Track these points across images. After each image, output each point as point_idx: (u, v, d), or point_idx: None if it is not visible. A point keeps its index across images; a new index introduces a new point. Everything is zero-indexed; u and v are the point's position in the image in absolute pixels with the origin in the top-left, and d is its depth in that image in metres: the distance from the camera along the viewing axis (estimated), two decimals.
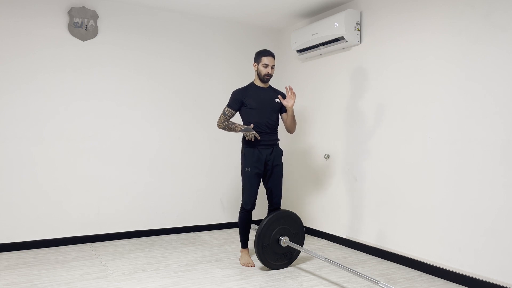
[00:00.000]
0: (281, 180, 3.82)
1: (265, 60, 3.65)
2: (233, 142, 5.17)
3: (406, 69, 3.72)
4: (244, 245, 3.81)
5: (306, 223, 4.96)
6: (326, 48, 4.47)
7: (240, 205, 3.84)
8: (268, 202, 3.86)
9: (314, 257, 3.72)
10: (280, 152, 3.80)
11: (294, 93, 3.66)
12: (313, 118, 4.88)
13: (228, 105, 3.72)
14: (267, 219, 3.56)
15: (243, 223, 3.76)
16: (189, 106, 4.96)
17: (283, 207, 5.28)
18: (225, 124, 3.71)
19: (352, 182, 4.31)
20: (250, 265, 3.71)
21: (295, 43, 4.76)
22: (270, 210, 3.84)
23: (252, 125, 3.67)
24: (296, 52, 4.87)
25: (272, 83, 5.46)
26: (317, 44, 4.51)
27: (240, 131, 3.64)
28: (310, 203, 4.95)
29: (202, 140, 5.04)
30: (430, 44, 3.51)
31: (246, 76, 5.29)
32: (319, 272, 3.57)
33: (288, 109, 3.69)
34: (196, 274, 3.48)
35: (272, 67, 3.68)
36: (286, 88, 3.66)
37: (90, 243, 4.43)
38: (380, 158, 3.98)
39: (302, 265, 3.76)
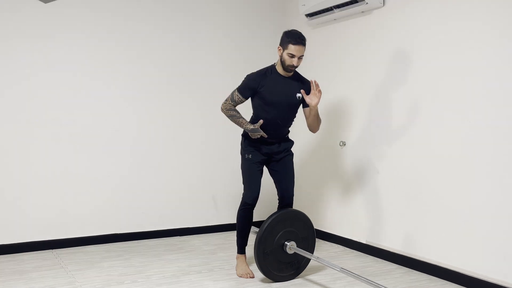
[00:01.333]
0: (292, 170, 3.87)
1: (293, 49, 3.57)
2: (230, 128, 5.14)
3: (439, 36, 3.71)
4: (241, 250, 3.82)
5: (317, 225, 4.97)
6: (342, 12, 4.48)
7: (241, 201, 3.83)
8: (278, 199, 3.89)
9: (327, 266, 3.73)
10: (289, 143, 3.88)
11: (320, 90, 3.63)
12: (326, 97, 4.87)
13: (239, 90, 3.73)
14: (269, 220, 3.56)
15: (242, 222, 3.77)
16: (176, 82, 4.96)
17: None
18: (230, 113, 3.74)
19: (374, 175, 4.32)
20: (248, 276, 3.72)
21: (304, 5, 4.77)
22: (280, 206, 3.88)
23: (261, 122, 3.66)
24: (305, 17, 4.89)
25: (277, 57, 5.42)
26: (331, 7, 4.52)
27: (246, 130, 3.68)
28: (321, 201, 4.96)
29: (192, 125, 5.04)
30: (469, 6, 3.48)
31: (244, 47, 5.29)
32: (333, 285, 3.57)
33: (311, 108, 3.67)
34: (183, 287, 3.47)
35: (300, 58, 3.62)
36: (311, 82, 3.63)
37: (54, 250, 4.43)
38: (408, 146, 3.98)
39: (312, 277, 3.76)
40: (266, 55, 5.37)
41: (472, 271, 3.49)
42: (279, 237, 3.58)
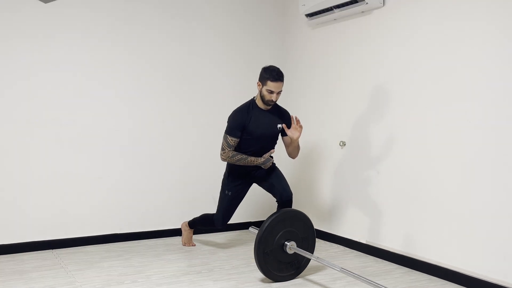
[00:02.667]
0: (281, 173, 4.07)
1: (271, 86, 3.75)
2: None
3: (439, 36, 3.70)
4: (193, 227, 4.51)
5: (317, 225, 4.96)
6: (342, 12, 4.47)
7: (213, 216, 4.27)
8: (277, 201, 3.96)
9: (327, 266, 3.72)
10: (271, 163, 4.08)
11: (301, 125, 3.81)
12: (326, 97, 4.86)
13: (230, 133, 3.87)
14: (269, 220, 3.55)
15: (205, 222, 4.34)
16: (176, 83, 4.95)
17: None
18: (235, 158, 3.87)
19: (373, 175, 4.31)
20: (191, 244, 4.58)
21: (304, 5, 4.77)
22: (281, 205, 3.92)
23: (273, 151, 3.95)
24: (305, 17, 4.88)
25: (276, 58, 5.42)
26: (331, 7, 4.52)
27: (259, 164, 3.89)
28: (321, 201, 4.95)
29: (192, 125, 5.04)
30: (469, 6, 3.47)
31: (243, 47, 5.28)
32: (333, 285, 3.56)
33: (292, 141, 3.87)
34: (183, 287, 3.46)
35: (278, 93, 3.81)
36: (292, 118, 3.82)
37: (54, 250, 4.42)
38: (408, 146, 3.98)
39: (312, 277, 3.75)
40: (266, 55, 5.37)
41: (472, 271, 3.48)
42: (279, 237, 3.57)
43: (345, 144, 4.63)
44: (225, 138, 3.87)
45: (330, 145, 4.82)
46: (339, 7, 4.45)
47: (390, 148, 4.14)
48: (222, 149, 3.88)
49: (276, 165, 4.24)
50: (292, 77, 5.33)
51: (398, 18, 4.06)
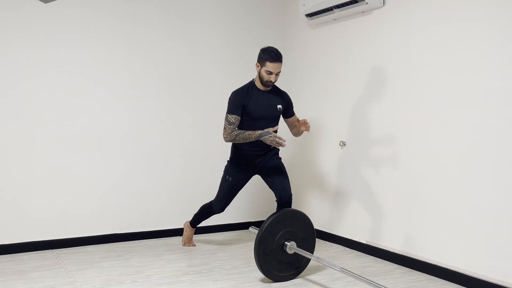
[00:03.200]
0: (285, 171, 4.00)
1: (270, 66, 3.76)
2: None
3: (439, 36, 3.70)
4: (194, 225, 4.50)
5: (317, 226, 4.96)
6: (342, 12, 4.47)
7: (211, 202, 4.29)
8: (277, 200, 3.93)
9: (327, 266, 3.72)
10: (275, 149, 4.04)
11: (308, 125, 3.87)
12: (326, 97, 4.86)
13: (230, 112, 3.84)
14: (269, 220, 3.55)
15: (205, 214, 4.34)
16: (176, 83, 4.95)
17: None
18: (234, 134, 3.80)
19: (374, 175, 4.31)
20: (191, 244, 4.58)
21: (304, 5, 4.77)
22: (280, 206, 3.89)
23: (277, 128, 3.81)
24: (305, 17, 4.88)
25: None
26: (331, 7, 4.52)
27: (257, 137, 3.71)
28: (322, 201, 4.96)
29: (190, 125, 5.04)
30: (469, 6, 3.47)
31: (243, 47, 5.27)
32: (333, 285, 3.56)
33: (300, 131, 4.01)
34: (183, 287, 3.46)
35: (277, 74, 3.82)
36: (301, 121, 3.84)
37: (54, 250, 4.42)
38: (408, 146, 3.98)
39: (312, 277, 3.75)
40: None
41: (472, 271, 3.48)
42: (279, 237, 3.57)
43: (345, 144, 4.62)
44: (226, 118, 3.83)
45: (330, 145, 4.82)
46: (339, 7, 4.44)
47: (390, 148, 4.14)
48: (224, 128, 3.82)
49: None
50: (292, 77, 5.33)
51: (398, 18, 4.06)
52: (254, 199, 5.28)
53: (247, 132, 3.74)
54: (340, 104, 4.69)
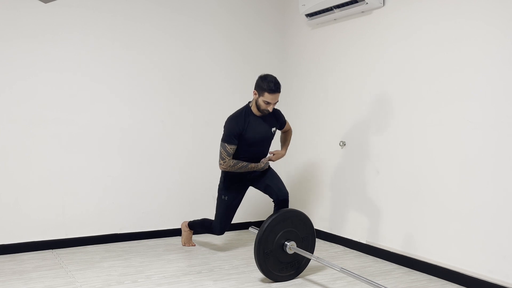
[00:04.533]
0: (276, 174, 4.08)
1: (268, 97, 3.72)
2: None
3: (439, 36, 3.70)
4: (192, 229, 4.51)
5: (317, 226, 4.96)
6: (342, 12, 4.47)
7: (212, 223, 4.27)
8: (273, 201, 3.95)
9: (327, 266, 3.72)
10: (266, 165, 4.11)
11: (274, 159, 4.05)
12: (326, 97, 4.86)
13: (228, 141, 3.83)
14: (270, 220, 3.55)
15: (206, 227, 4.29)
16: (173, 84, 4.95)
17: (289, 205, 5.27)
18: (237, 166, 3.89)
19: (374, 175, 4.31)
20: (190, 244, 4.58)
21: (304, 5, 4.76)
22: (277, 205, 3.91)
23: (272, 155, 4.01)
24: (305, 17, 4.87)
25: (276, 58, 5.41)
26: (331, 7, 4.51)
27: (260, 169, 3.97)
28: (321, 201, 4.96)
29: (190, 125, 5.04)
30: (469, 5, 3.47)
31: (243, 47, 5.27)
32: (333, 285, 3.56)
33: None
34: (183, 287, 3.46)
35: (274, 104, 3.81)
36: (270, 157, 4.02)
37: (54, 250, 4.42)
38: (408, 146, 3.97)
39: (312, 277, 3.75)
40: (266, 55, 5.36)
41: (472, 271, 3.48)
42: (279, 237, 3.57)
43: (345, 144, 4.62)
44: (223, 147, 3.82)
45: (330, 145, 4.82)
46: (339, 7, 4.44)
47: (390, 148, 4.14)
48: (222, 158, 3.84)
49: (290, 139, 4.23)
50: (292, 77, 5.33)
51: (398, 18, 4.06)
52: (254, 199, 5.28)
53: (249, 165, 3.89)
54: (340, 104, 4.69)
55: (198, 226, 4.39)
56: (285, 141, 4.23)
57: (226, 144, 3.81)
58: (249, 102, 3.93)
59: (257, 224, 5.29)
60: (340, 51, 4.70)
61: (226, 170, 3.90)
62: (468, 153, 3.49)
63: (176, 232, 4.96)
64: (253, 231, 3.86)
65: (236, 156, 3.90)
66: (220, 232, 4.16)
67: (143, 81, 4.79)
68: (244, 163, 3.86)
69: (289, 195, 5.25)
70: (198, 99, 5.06)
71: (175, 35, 4.93)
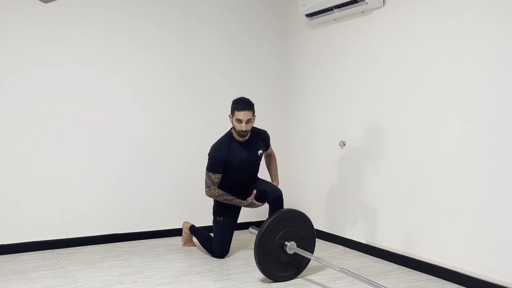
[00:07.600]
0: (264, 180, 4.15)
1: (238, 115, 3.79)
2: (227, 127, 5.14)
3: (439, 36, 3.69)
4: (193, 234, 4.45)
5: (317, 226, 4.94)
6: (342, 12, 4.46)
7: (211, 248, 4.25)
8: (268, 202, 4.01)
9: (327, 266, 3.72)
10: None
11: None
12: (325, 97, 4.85)
13: (212, 171, 3.89)
14: (269, 220, 3.55)
15: (206, 243, 4.27)
16: (174, 84, 4.95)
17: (288, 205, 5.25)
18: (222, 197, 3.97)
19: (373, 175, 4.30)
20: (191, 244, 4.56)
21: (304, 5, 4.75)
22: (272, 203, 3.95)
23: (254, 192, 3.99)
24: (304, 17, 4.86)
25: (276, 58, 5.41)
26: (331, 7, 4.50)
27: (245, 206, 4.05)
28: (321, 201, 4.95)
29: (190, 125, 5.04)
30: (469, 6, 3.46)
31: (243, 47, 5.27)
32: (333, 285, 3.56)
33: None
34: (183, 287, 3.46)
35: (248, 121, 3.82)
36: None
37: (54, 250, 4.42)
38: (408, 146, 3.97)
39: (312, 277, 3.75)
40: (266, 55, 5.36)
41: (473, 271, 3.47)
42: (279, 237, 3.57)
43: (345, 144, 4.62)
44: (208, 176, 3.89)
45: (330, 145, 4.82)
46: (339, 7, 4.43)
47: (390, 148, 4.13)
48: (207, 186, 3.91)
49: (276, 164, 4.27)
50: (291, 77, 5.32)
51: (398, 18, 4.05)
52: None
53: (234, 200, 3.97)
54: (340, 104, 4.69)
55: (200, 238, 4.37)
56: (271, 169, 4.30)
57: (210, 173, 3.88)
58: (231, 129, 3.99)
59: (257, 224, 5.28)
60: (340, 51, 4.70)
61: (212, 198, 3.98)
62: (468, 153, 3.49)
63: (176, 232, 4.96)
64: (253, 231, 3.86)
65: (223, 182, 3.95)
66: (221, 255, 4.17)
67: (144, 81, 4.79)
68: (230, 197, 3.94)
69: (290, 195, 5.26)
70: (198, 99, 5.06)
71: (175, 35, 4.93)
